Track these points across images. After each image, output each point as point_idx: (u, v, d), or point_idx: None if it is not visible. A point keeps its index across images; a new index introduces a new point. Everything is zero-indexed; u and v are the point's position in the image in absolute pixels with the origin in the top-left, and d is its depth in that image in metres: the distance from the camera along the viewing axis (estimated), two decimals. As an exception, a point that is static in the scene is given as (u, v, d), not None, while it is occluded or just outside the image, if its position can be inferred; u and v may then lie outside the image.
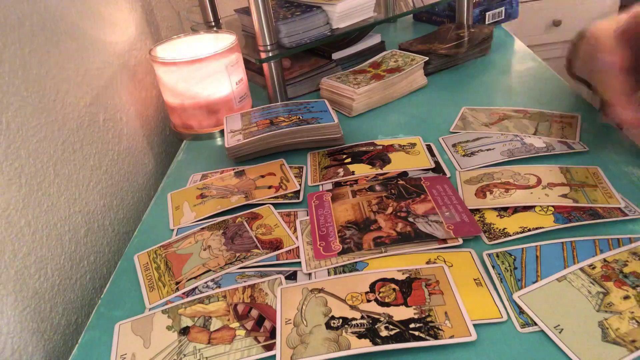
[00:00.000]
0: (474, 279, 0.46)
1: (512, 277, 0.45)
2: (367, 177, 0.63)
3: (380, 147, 0.69)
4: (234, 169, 0.70)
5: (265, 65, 0.82)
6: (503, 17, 1.09)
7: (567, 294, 0.43)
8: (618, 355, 0.37)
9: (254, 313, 0.46)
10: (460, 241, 0.50)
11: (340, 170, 0.65)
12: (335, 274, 0.49)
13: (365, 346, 0.40)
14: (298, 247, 0.53)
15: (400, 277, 0.47)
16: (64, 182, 0.60)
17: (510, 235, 0.50)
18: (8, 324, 0.48)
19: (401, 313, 0.43)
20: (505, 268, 0.46)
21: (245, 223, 0.58)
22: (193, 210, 0.62)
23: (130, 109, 0.80)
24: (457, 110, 0.77)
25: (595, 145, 0.63)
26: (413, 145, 0.69)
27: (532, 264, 0.46)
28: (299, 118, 0.72)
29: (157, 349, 0.44)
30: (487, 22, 1.07)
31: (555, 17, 1.76)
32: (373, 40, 0.99)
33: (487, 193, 0.56)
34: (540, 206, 0.53)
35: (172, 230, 0.60)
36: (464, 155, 0.65)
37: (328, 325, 0.43)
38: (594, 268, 0.44)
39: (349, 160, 0.68)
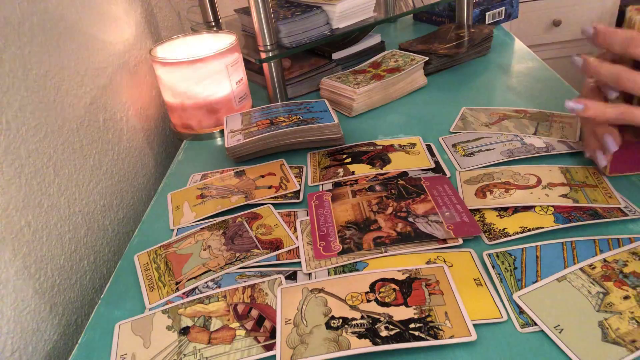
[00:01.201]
0: (474, 279, 0.46)
1: (512, 277, 0.45)
2: (367, 177, 0.63)
3: (380, 147, 0.69)
4: (234, 169, 0.70)
5: (265, 65, 0.82)
6: (503, 17, 1.09)
7: (567, 294, 0.43)
8: (618, 355, 0.37)
9: (254, 313, 0.46)
10: (460, 241, 0.50)
11: (340, 170, 0.65)
12: (335, 274, 0.49)
13: (365, 346, 0.40)
14: (298, 247, 0.53)
15: (400, 277, 0.47)
16: (64, 182, 0.60)
17: (510, 235, 0.50)
18: (8, 324, 0.48)
19: (401, 313, 0.43)
20: (505, 268, 0.46)
21: (245, 223, 0.58)
22: (193, 210, 0.62)
23: (130, 109, 0.80)
24: (457, 110, 0.77)
25: (595, 145, 0.63)
26: (413, 145, 0.69)
27: (532, 264, 0.46)
28: (299, 118, 0.72)
29: (157, 349, 0.44)
30: (487, 22, 1.07)
31: (555, 17, 1.76)
32: (373, 40, 0.99)
33: (487, 193, 0.56)
34: (540, 206, 0.53)
35: (172, 230, 0.60)
36: (464, 155, 0.65)
37: (328, 325, 0.43)
38: (594, 268, 0.44)
39: (349, 160, 0.68)
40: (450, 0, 1.04)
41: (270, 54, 0.81)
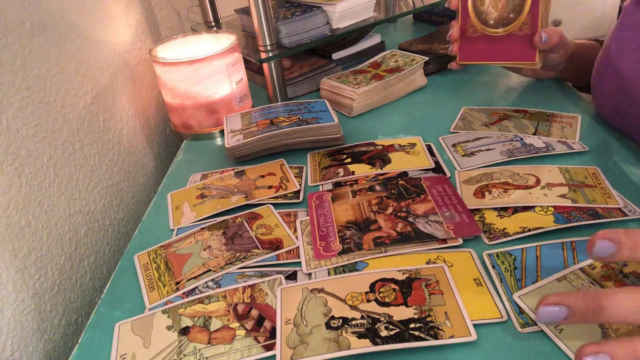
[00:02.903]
0: (474, 279, 0.46)
1: (512, 277, 0.45)
2: (367, 177, 0.63)
3: (380, 147, 0.69)
4: (234, 169, 0.70)
5: (265, 65, 0.82)
6: (503, 17, 1.09)
7: (567, 294, 0.43)
8: (618, 355, 0.37)
9: (254, 313, 0.46)
10: (460, 241, 0.50)
11: (340, 170, 0.65)
12: (335, 274, 0.49)
13: (365, 346, 0.40)
14: (298, 247, 0.53)
15: (400, 277, 0.47)
16: (64, 182, 0.60)
17: (510, 236, 0.50)
18: (8, 324, 0.48)
19: (401, 313, 0.43)
20: (505, 268, 0.46)
21: (245, 223, 0.58)
22: (193, 210, 0.62)
23: (130, 109, 0.80)
24: (457, 110, 0.77)
25: (595, 145, 0.63)
26: (413, 145, 0.69)
27: (532, 264, 0.46)
28: (299, 118, 0.72)
29: (157, 349, 0.44)
30: (487, 22, 1.07)
31: (555, 17, 1.76)
32: (373, 40, 0.99)
33: (486, 193, 0.56)
34: (541, 206, 0.53)
35: (172, 230, 0.60)
36: (463, 155, 0.65)
37: (328, 325, 0.43)
38: (594, 268, 0.44)
39: (349, 160, 0.68)
40: (450, 0, 1.04)
41: (270, 54, 0.81)
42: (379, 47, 0.99)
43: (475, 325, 0.41)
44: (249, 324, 0.45)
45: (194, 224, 0.60)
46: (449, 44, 0.78)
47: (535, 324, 0.41)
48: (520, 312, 0.42)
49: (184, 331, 0.45)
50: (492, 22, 0.72)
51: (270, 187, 0.64)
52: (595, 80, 0.68)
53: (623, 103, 0.62)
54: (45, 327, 0.53)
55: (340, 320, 0.43)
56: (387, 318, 0.43)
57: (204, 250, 0.55)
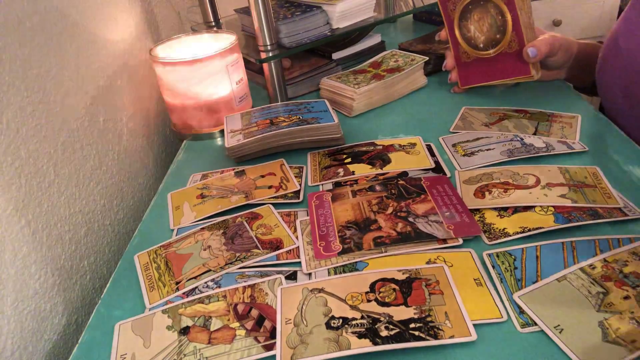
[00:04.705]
0: (474, 279, 0.46)
1: (512, 277, 0.45)
2: (367, 177, 0.63)
3: (380, 147, 0.69)
4: (234, 169, 0.70)
5: (265, 65, 0.82)
6: (503, 17, 1.09)
7: (567, 294, 0.43)
8: (618, 355, 0.37)
9: (254, 313, 0.46)
10: (460, 241, 0.50)
11: (341, 170, 0.65)
12: (335, 274, 0.49)
13: (365, 346, 0.40)
14: (298, 247, 0.53)
15: (400, 277, 0.47)
16: (64, 182, 0.60)
17: (510, 235, 0.50)
18: (8, 324, 0.48)
19: (401, 313, 0.43)
20: (505, 268, 0.46)
21: (245, 223, 0.58)
22: (193, 210, 0.62)
23: (130, 109, 0.80)
24: (457, 110, 0.77)
25: (595, 145, 0.63)
26: (413, 145, 0.69)
27: (532, 264, 0.46)
28: (299, 118, 0.72)
29: (157, 349, 0.44)
30: (487, 22, 1.07)
31: (555, 17, 1.76)
32: (373, 40, 0.99)
33: (486, 193, 0.56)
34: (541, 206, 0.53)
35: (172, 230, 0.60)
36: (463, 155, 0.65)
37: (328, 325, 0.43)
38: (594, 268, 0.44)
39: (349, 160, 0.68)
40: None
41: (270, 54, 0.81)
42: (379, 47, 0.99)
43: (475, 325, 0.41)
44: (249, 324, 0.45)
45: (194, 223, 0.60)
46: (449, 45, 0.78)
47: (535, 324, 0.41)
48: (520, 312, 0.42)
49: (184, 331, 0.45)
50: (481, 45, 0.76)
51: (270, 187, 0.64)
52: (602, 63, 0.68)
53: (629, 84, 0.62)
54: (45, 327, 0.53)
55: (341, 320, 0.43)
56: (387, 318, 0.43)
57: (204, 250, 0.55)
